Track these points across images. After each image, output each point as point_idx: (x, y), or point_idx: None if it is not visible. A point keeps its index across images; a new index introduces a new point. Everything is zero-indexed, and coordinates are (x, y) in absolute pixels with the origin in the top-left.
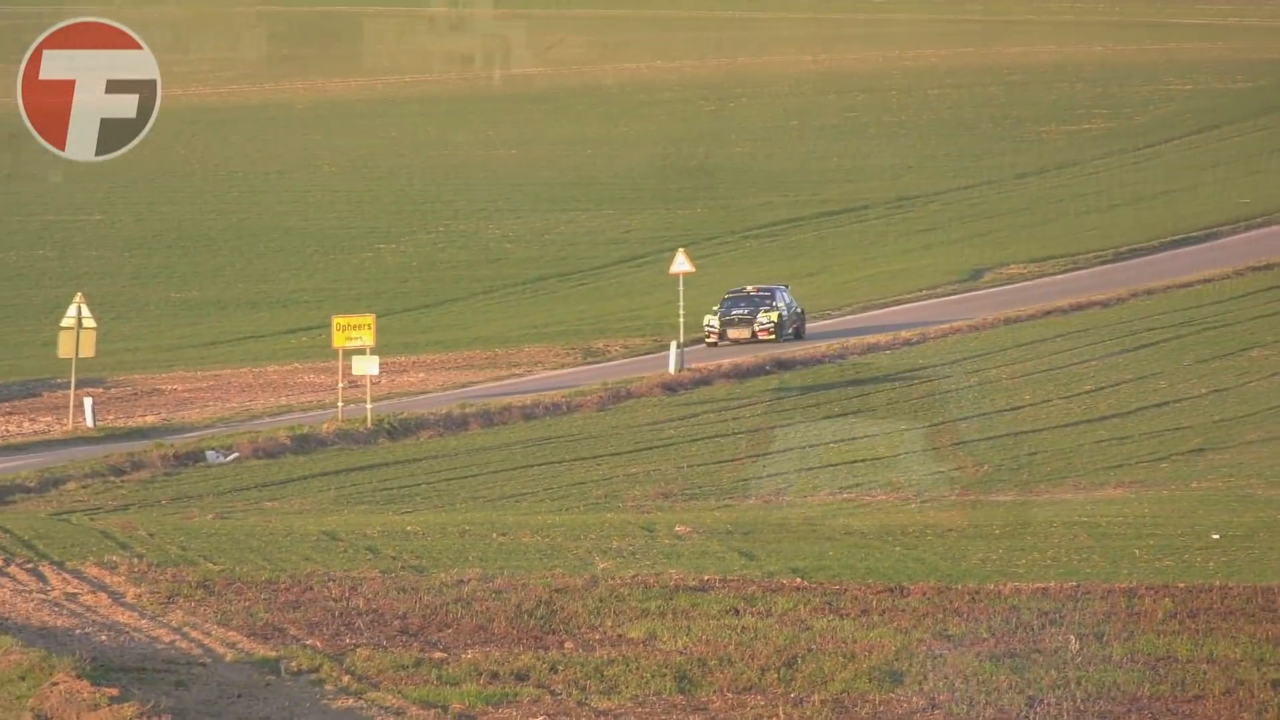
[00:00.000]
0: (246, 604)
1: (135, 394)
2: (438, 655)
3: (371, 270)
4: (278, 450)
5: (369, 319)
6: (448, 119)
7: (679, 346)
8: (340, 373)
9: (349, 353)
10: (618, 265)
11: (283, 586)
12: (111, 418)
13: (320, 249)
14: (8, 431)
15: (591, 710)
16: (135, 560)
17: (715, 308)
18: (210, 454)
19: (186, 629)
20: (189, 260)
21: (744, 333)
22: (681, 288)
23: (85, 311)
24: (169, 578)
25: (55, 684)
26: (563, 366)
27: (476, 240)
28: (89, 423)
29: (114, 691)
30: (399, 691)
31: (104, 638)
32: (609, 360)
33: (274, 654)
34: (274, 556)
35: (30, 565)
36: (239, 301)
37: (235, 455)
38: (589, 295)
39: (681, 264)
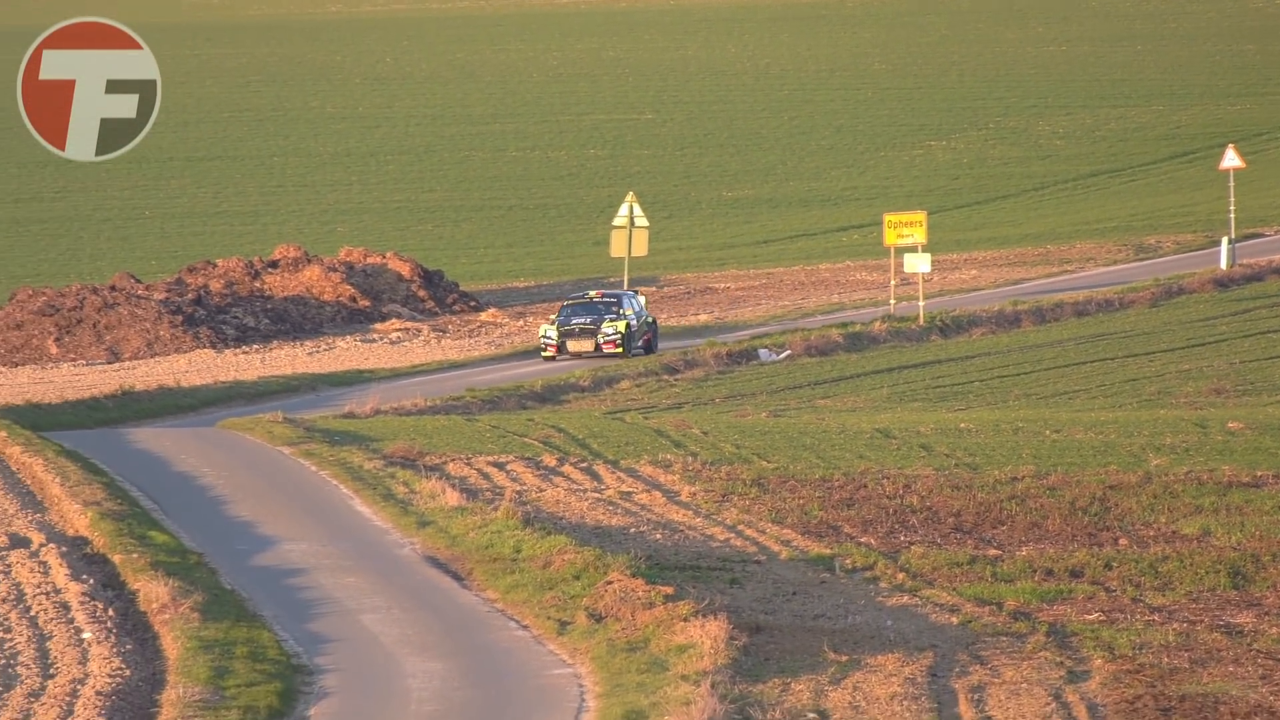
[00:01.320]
0: (800, 502)
1: (688, 292)
2: (992, 552)
3: (922, 167)
4: (830, 348)
5: (920, 216)
6: (998, 16)
7: (1230, 242)
8: (892, 270)
9: (900, 250)
10: (1168, 161)
11: (836, 484)
12: (664, 316)
13: (871, 147)
14: None
15: (1145, 606)
16: (689, 458)
17: (553, 317)
18: (763, 352)
19: (740, 527)
20: (740, 158)
21: (586, 345)
22: (1232, 183)
23: (637, 210)
24: (723, 476)
25: (610, 582)
26: (1114, 263)
27: (1027, 137)
28: None
29: (669, 590)
30: (953, 589)
31: (658, 536)
32: (1160, 256)
33: (828, 551)
34: (827, 454)
35: (585, 464)
36: (790, 200)
37: (788, 353)
38: (1139, 191)
39: (1231, 160)
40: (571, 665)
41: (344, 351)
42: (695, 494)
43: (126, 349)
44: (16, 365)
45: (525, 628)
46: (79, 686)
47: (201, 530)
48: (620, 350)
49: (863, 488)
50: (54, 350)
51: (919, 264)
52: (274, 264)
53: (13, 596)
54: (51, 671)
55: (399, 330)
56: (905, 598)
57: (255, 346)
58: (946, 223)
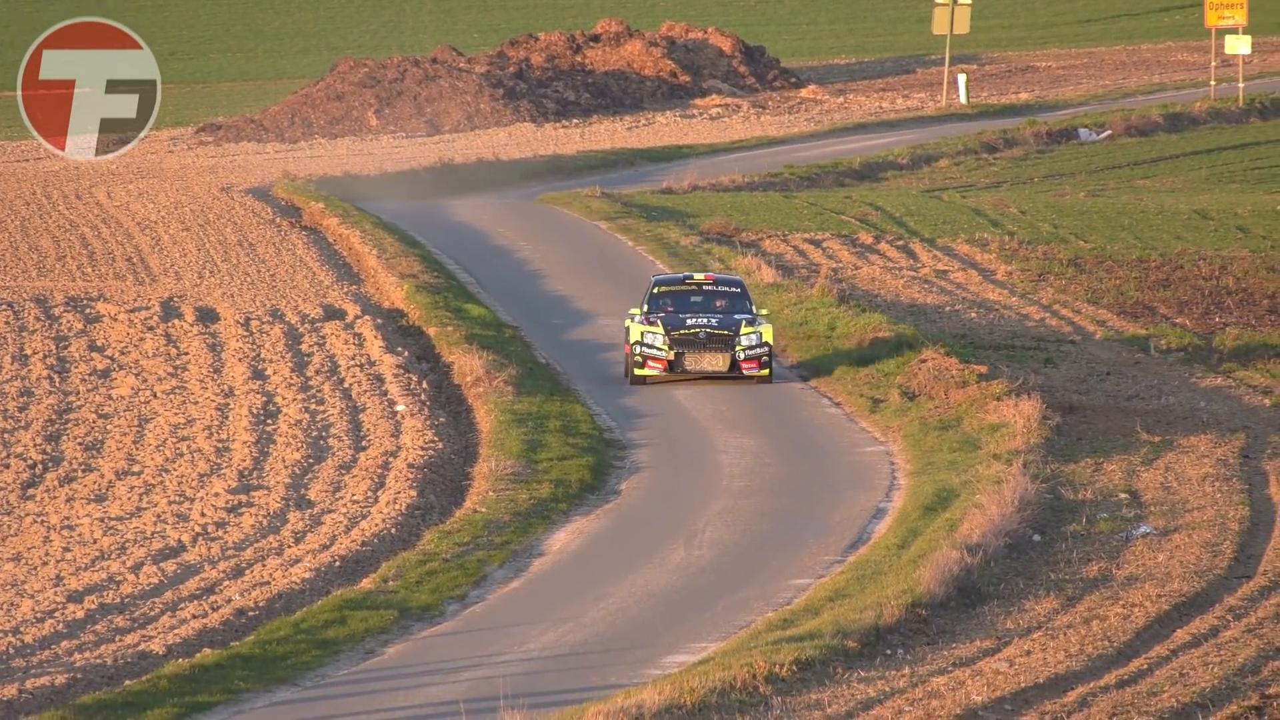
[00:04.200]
0: (1117, 282)
1: (1009, 71)
2: None
3: None
4: (1150, 128)
5: None
6: None
7: None
8: (1213, 52)
9: (1221, 31)
10: None
11: (1153, 265)
12: (985, 95)
13: None
14: (881, 108)
15: None
16: (1006, 238)
17: (639, 310)
18: (1083, 131)
19: (1056, 307)
20: None
21: (717, 362)
22: None
23: None
24: (1040, 255)
25: (924, 360)
26: None
27: None
28: (962, 99)
29: (982, 369)
30: (1267, 370)
31: (973, 315)
32: None
33: (1144, 332)
34: (1144, 235)
35: (901, 242)
36: None
37: (1108, 133)
38: None
39: None
40: (883, 443)
41: (663, 127)
42: (1011, 273)
43: (446, 122)
44: (336, 137)
45: (838, 405)
46: (391, 459)
47: (517, 304)
48: (766, 374)
49: (1179, 269)
50: (373, 122)
51: (1240, 46)
52: (595, 38)
53: (327, 368)
54: (364, 444)
55: (719, 106)
56: (1219, 379)
57: (575, 121)
58: (1268, 4)
